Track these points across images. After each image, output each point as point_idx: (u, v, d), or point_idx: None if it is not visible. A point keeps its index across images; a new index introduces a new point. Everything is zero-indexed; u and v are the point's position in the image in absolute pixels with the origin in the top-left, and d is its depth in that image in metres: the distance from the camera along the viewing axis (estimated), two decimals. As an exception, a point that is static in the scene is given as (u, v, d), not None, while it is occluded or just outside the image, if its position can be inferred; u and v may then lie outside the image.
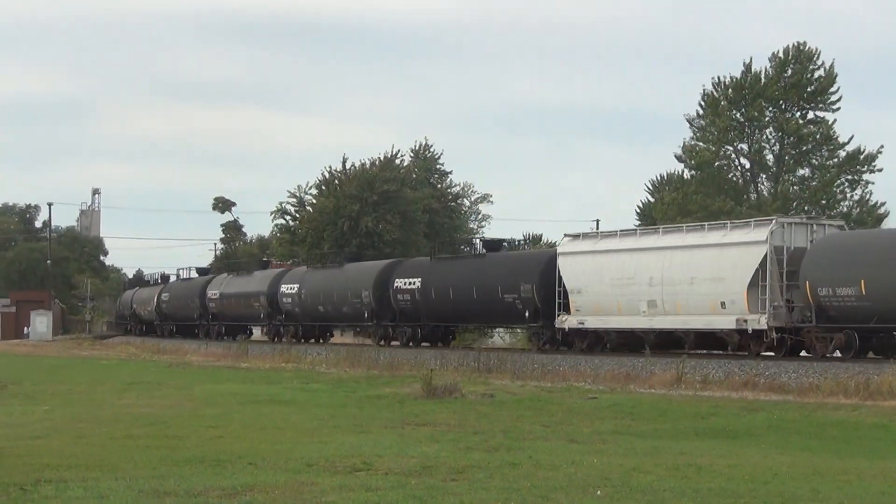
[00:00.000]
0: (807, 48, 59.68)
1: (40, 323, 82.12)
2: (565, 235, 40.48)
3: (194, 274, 73.99)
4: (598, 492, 12.05)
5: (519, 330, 49.70)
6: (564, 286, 38.60)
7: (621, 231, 39.30)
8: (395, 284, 47.14)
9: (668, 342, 36.47)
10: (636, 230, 40.27)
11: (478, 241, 49.79)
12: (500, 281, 41.77)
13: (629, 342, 37.16)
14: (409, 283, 46.67)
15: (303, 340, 53.97)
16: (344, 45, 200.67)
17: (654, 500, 11.72)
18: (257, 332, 64.84)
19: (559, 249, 39.74)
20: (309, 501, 11.43)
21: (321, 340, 54.72)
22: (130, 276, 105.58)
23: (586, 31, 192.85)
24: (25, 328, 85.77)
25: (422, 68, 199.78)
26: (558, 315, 38.81)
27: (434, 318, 46.05)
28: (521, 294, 40.66)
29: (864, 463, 15.18)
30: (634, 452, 16.02)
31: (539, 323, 40.22)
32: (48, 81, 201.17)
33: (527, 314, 40.50)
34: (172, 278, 76.90)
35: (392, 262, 51.17)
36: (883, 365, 27.64)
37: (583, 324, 38.08)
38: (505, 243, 49.44)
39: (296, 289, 53.79)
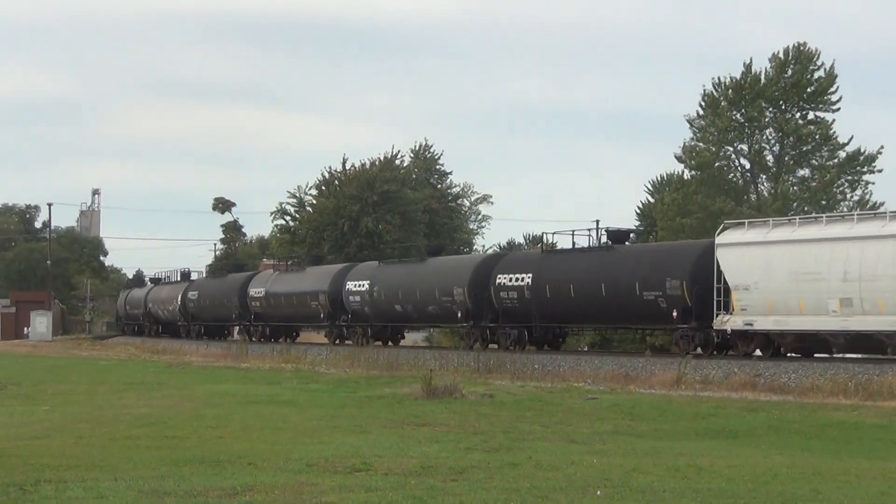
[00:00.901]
0: (807, 48, 59.64)
1: (40, 323, 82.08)
2: (724, 225, 35.77)
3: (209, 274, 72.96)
4: (598, 492, 12.04)
5: (658, 332, 44.07)
6: (725, 282, 33.73)
7: (800, 218, 35.20)
8: (498, 281, 42.04)
9: (863, 346, 32.74)
10: (819, 217, 35.03)
11: (600, 231, 42.64)
12: (639, 276, 36.64)
13: (810, 346, 33.45)
14: (517, 280, 41.37)
15: (371, 342, 48.21)
16: (344, 44, 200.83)
17: (654, 500, 11.71)
18: (302, 333, 62.10)
19: (718, 240, 34.52)
20: (308, 502, 11.42)
21: (390, 343, 50.84)
22: (130, 276, 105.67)
23: (586, 32, 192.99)
24: (25, 328, 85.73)
25: (422, 68, 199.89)
26: (717, 315, 33.82)
27: (547, 319, 40.66)
28: (666, 291, 35.57)
29: (865, 463, 15.17)
30: (634, 453, 16.02)
31: (691, 324, 34.97)
32: (48, 81, 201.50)
33: (674, 314, 35.40)
34: (194, 275, 75.26)
35: (493, 256, 49.77)
36: (883, 365, 27.63)
37: (751, 325, 33.30)
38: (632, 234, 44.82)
39: (366, 286, 49.18)
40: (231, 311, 60.46)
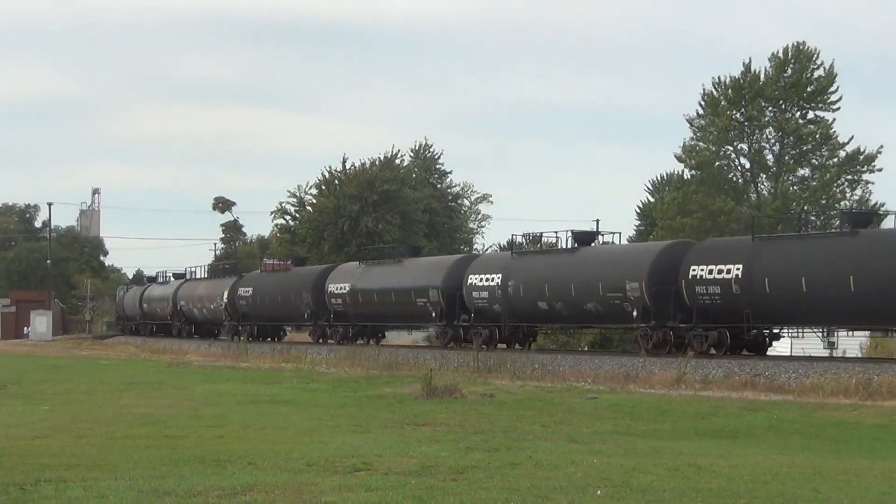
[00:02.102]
0: (806, 48, 59.67)
1: (40, 323, 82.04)
2: None
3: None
4: (599, 492, 12.04)
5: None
6: None
7: None
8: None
9: None
10: None
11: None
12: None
13: None
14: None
15: (500, 346, 41.17)
16: (344, 45, 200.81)
17: (654, 500, 11.71)
18: (396, 334, 58.94)
19: None
20: (309, 501, 11.42)
21: (519, 346, 41.30)
22: (131, 276, 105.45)
23: (586, 32, 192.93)
24: (25, 328, 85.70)
25: (422, 68, 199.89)
26: None
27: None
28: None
29: (865, 463, 15.17)
30: (634, 452, 16.02)
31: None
32: (49, 81, 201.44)
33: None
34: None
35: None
36: (883, 365, 27.64)
37: None
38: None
39: (497, 281, 41.36)
40: (301, 310, 53.30)
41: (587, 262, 38.34)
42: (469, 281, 42.46)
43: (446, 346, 42.15)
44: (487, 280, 42.00)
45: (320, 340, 51.76)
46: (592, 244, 40.44)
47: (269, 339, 58.25)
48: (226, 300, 60.69)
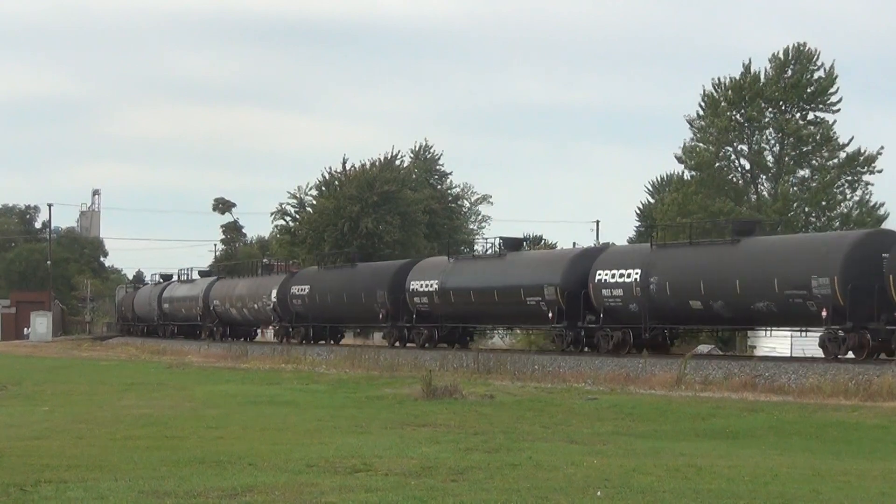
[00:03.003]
0: (807, 49, 59.67)
1: (40, 324, 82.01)
2: None
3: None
4: (599, 492, 12.04)
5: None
6: None
7: None
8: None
9: None
10: None
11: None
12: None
13: None
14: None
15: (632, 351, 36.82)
16: (344, 45, 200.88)
17: (654, 500, 11.71)
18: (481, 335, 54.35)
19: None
20: (309, 502, 11.42)
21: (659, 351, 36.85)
22: (131, 276, 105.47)
23: (587, 32, 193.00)
24: (25, 329, 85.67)
25: (422, 69, 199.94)
26: None
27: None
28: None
29: (865, 464, 15.17)
30: (634, 453, 16.02)
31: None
32: (48, 81, 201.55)
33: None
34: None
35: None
36: (883, 366, 27.64)
37: None
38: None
39: (636, 277, 36.44)
40: (374, 310, 47.69)
41: (754, 256, 33.68)
42: (598, 277, 37.52)
43: (565, 349, 38.79)
44: (622, 276, 37.08)
45: (397, 344, 46.44)
46: (754, 235, 35.83)
47: (327, 341, 53.04)
48: (274, 299, 55.06)
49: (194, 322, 66.28)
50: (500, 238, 46.00)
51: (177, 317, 69.17)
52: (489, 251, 46.17)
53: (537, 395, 26.77)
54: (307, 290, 52.88)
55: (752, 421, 21.03)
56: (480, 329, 49.08)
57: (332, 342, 52.92)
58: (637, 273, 35.77)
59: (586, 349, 37.69)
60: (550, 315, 38.53)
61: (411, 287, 45.18)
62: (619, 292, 36.46)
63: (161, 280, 75.51)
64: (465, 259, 45.61)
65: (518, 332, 53.57)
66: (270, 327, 62.32)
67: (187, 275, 73.07)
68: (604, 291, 36.83)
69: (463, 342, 44.95)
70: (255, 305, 57.79)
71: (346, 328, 55.95)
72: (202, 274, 70.97)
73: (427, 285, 44.69)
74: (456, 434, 18.42)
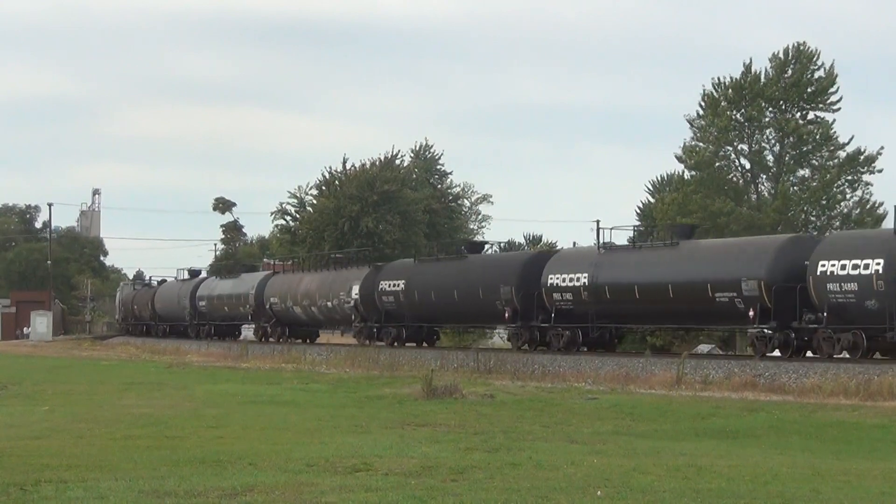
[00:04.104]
0: (807, 48, 59.68)
1: (40, 323, 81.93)
2: None
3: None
4: (599, 492, 12.04)
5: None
6: None
7: None
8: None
9: None
10: None
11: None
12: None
13: None
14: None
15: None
16: (344, 45, 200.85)
17: (654, 500, 11.71)
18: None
19: None
20: (309, 502, 11.42)
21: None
22: (131, 276, 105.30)
23: (587, 32, 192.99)
24: (25, 329, 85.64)
25: (422, 69, 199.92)
26: None
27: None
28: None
29: (865, 464, 15.17)
30: (634, 453, 16.02)
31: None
32: (48, 81, 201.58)
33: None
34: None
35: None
36: (884, 365, 27.64)
37: None
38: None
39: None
40: (496, 309, 41.42)
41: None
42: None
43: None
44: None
45: (524, 346, 40.29)
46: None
47: (419, 343, 46.76)
48: (356, 296, 48.58)
49: (242, 321, 61.24)
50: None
51: (216, 316, 63.18)
52: (647, 240, 41.81)
53: (537, 394, 26.77)
54: (402, 286, 46.20)
55: (752, 421, 21.02)
56: (640, 331, 43.71)
57: (428, 344, 46.96)
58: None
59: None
60: (751, 315, 32.74)
61: (550, 281, 39.14)
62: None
63: (189, 276, 70.36)
64: (621, 249, 38.43)
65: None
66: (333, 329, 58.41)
67: (221, 271, 70.17)
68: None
69: (611, 345, 39.51)
70: (329, 303, 51.04)
71: (450, 328, 50.98)
72: (248, 269, 65.17)
73: (572, 279, 38.55)
74: (456, 434, 18.41)
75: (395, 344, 46.01)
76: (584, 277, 37.97)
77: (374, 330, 47.74)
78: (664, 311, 36.04)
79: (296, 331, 56.41)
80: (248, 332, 63.64)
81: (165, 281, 74.86)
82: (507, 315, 40.48)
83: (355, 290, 48.92)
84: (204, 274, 74.20)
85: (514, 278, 40.56)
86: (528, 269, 40.73)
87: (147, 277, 79.66)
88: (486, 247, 49.47)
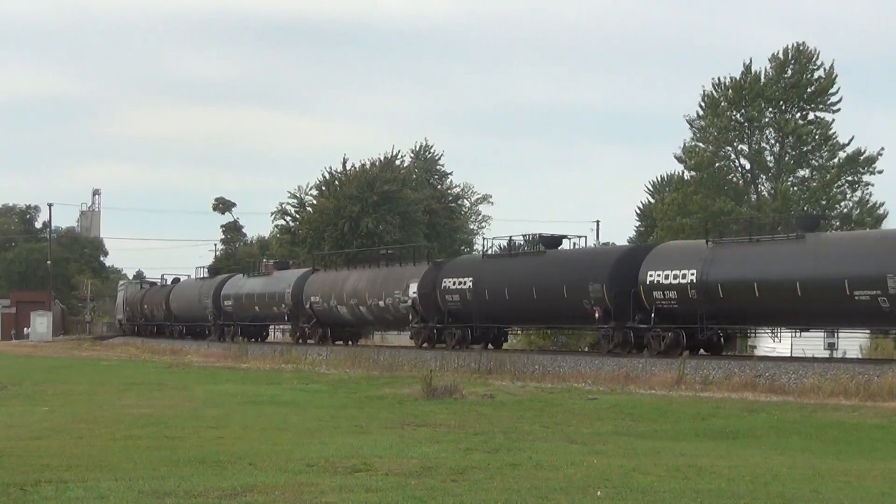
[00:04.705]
0: (806, 48, 59.71)
1: (40, 323, 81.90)
2: None
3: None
4: (599, 492, 12.04)
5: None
6: None
7: None
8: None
9: None
10: None
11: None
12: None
13: None
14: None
15: None
16: (344, 45, 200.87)
17: (654, 500, 11.71)
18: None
19: None
20: (309, 502, 11.41)
21: None
22: (131, 276, 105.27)
23: (587, 32, 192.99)
24: (26, 329, 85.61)
25: (422, 69, 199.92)
26: None
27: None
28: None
29: (865, 464, 15.17)
30: (634, 453, 16.02)
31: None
32: (49, 81, 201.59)
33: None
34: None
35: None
36: (884, 366, 27.63)
37: None
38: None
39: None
40: (583, 309, 37.58)
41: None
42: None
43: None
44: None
45: (616, 349, 36.56)
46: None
47: (484, 344, 42.96)
48: (414, 294, 44.76)
49: (276, 322, 58.49)
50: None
51: (244, 316, 59.20)
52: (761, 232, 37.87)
53: (537, 395, 26.77)
54: (469, 284, 42.24)
55: (752, 421, 21.02)
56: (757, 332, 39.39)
57: (494, 346, 43.16)
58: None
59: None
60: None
61: (650, 278, 35.51)
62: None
63: (207, 275, 67.12)
64: (740, 244, 35.16)
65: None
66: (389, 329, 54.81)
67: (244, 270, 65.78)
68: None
69: (718, 348, 36.25)
70: (381, 303, 47.08)
71: (526, 329, 47.42)
72: (279, 266, 60.34)
73: (676, 276, 34.89)
74: (456, 434, 18.41)
75: (458, 347, 42.03)
76: (692, 274, 33.94)
77: (434, 331, 44.05)
78: (790, 311, 32.13)
79: (338, 332, 52.71)
80: (277, 333, 61.86)
81: (179, 279, 72.69)
82: (597, 315, 36.38)
83: (413, 288, 45.03)
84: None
85: (606, 275, 36.68)
86: (622, 265, 36.81)
87: (161, 277, 76.10)
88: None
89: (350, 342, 52.78)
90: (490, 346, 42.68)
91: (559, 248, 41.28)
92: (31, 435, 18.25)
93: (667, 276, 34.83)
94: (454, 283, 42.98)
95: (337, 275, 52.22)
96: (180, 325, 67.88)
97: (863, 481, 13.42)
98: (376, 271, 49.12)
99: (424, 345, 43.88)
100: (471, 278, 42.28)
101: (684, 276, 34.38)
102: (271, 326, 61.11)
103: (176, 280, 72.78)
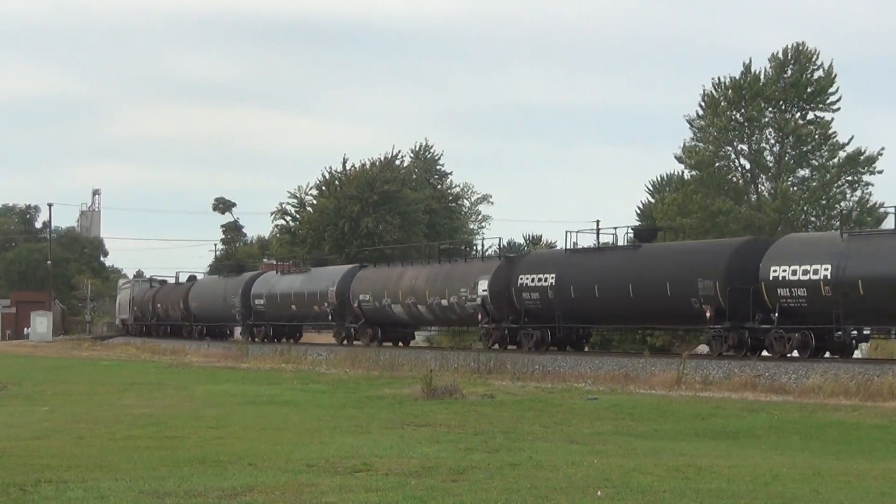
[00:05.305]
0: (806, 48, 59.70)
1: (40, 323, 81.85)
2: None
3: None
4: (599, 492, 12.04)
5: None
6: None
7: None
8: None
9: None
10: None
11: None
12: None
13: None
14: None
15: None
16: (344, 45, 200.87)
17: (655, 500, 11.70)
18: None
19: None
20: (309, 502, 11.41)
21: None
22: (131, 275, 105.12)
23: (587, 32, 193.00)
24: (25, 329, 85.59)
25: (422, 69, 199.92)
26: None
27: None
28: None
29: (865, 464, 15.17)
30: (634, 453, 16.02)
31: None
32: (48, 81, 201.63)
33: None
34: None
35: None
36: (884, 366, 27.63)
37: None
38: None
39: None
40: (691, 307, 34.33)
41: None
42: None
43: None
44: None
45: (729, 352, 33.51)
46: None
47: (566, 346, 39.73)
48: (484, 293, 41.52)
49: (317, 321, 54.70)
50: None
51: (279, 315, 55.72)
52: None
53: (537, 395, 26.77)
54: (551, 281, 38.74)
55: (752, 421, 21.02)
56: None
57: (575, 347, 39.92)
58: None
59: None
60: None
61: (773, 274, 32.35)
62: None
63: (233, 272, 63.77)
64: (882, 235, 32.77)
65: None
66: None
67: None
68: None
69: (853, 350, 33.72)
70: (444, 301, 43.64)
71: (619, 330, 44.53)
72: (316, 263, 57.51)
73: (806, 272, 31.69)
74: (456, 434, 18.41)
75: (534, 349, 38.75)
76: (825, 270, 30.90)
77: (506, 332, 40.64)
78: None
79: (390, 332, 49.08)
80: (311, 333, 59.40)
81: (195, 278, 70.81)
82: (708, 314, 33.19)
83: (482, 285, 41.62)
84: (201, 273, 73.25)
85: (720, 271, 33.28)
86: (738, 259, 33.45)
87: (175, 274, 73.55)
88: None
89: (399, 343, 49.26)
90: (569, 347, 39.62)
91: (651, 241, 38.29)
92: (31, 435, 18.25)
93: (794, 272, 31.52)
94: (532, 280, 39.46)
95: (390, 271, 48.70)
96: (200, 325, 64.87)
97: (863, 481, 13.42)
98: (437, 268, 45.47)
99: (495, 346, 40.75)
100: (553, 275, 38.76)
101: (816, 272, 31.13)
102: (303, 326, 57.49)
103: (192, 278, 70.88)
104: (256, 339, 55.82)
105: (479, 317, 41.82)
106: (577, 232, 41.43)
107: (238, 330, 62.20)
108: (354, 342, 49.40)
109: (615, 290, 36.41)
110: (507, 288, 40.30)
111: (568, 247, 40.36)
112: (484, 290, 41.50)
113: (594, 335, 43.10)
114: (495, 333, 41.08)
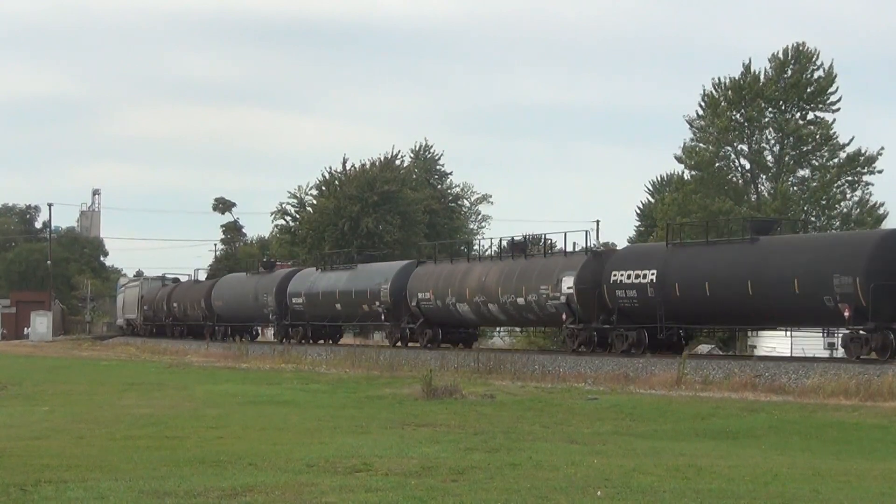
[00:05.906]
0: (806, 49, 59.75)
1: (40, 323, 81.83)
2: None
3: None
4: (599, 492, 12.04)
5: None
6: None
7: None
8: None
9: None
10: None
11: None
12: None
13: None
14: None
15: None
16: (344, 45, 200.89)
17: (655, 500, 11.71)
18: None
19: None
20: (309, 502, 11.42)
21: None
22: (131, 275, 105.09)
23: (587, 32, 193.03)
24: (25, 329, 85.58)
25: (422, 69, 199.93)
26: None
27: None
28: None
29: (865, 464, 15.17)
30: (634, 453, 16.02)
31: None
32: (48, 81, 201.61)
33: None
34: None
35: (210, 281, 46.24)
36: (884, 366, 27.62)
37: None
38: None
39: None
40: (824, 306, 30.69)
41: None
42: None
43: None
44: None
45: (871, 354, 29.96)
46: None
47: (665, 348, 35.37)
48: (569, 290, 37.33)
49: (367, 321, 50.98)
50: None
51: (321, 315, 51.92)
52: None
53: (537, 395, 26.76)
54: (651, 278, 34.86)
55: (752, 421, 21.02)
56: None
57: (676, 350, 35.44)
58: None
59: None
60: None
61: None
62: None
63: (262, 270, 59.73)
64: None
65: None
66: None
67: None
68: None
69: None
70: (521, 300, 39.46)
71: (735, 330, 41.25)
72: (364, 259, 53.68)
73: None
74: (456, 434, 18.41)
75: (633, 351, 35.11)
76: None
77: (595, 333, 36.92)
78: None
79: (452, 333, 45.08)
80: (349, 334, 56.39)
81: (217, 276, 69.13)
82: (846, 314, 29.73)
83: (567, 282, 37.43)
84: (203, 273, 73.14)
85: (861, 266, 29.62)
86: (883, 253, 29.75)
87: (194, 272, 72.86)
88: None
89: (461, 344, 44.86)
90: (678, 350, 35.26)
91: (769, 234, 34.36)
92: (31, 435, 18.25)
93: None
94: (628, 277, 35.51)
95: (453, 268, 44.09)
96: (224, 326, 61.04)
97: (863, 481, 13.43)
98: (511, 263, 41.04)
99: (581, 348, 37.27)
100: (653, 271, 34.79)
101: None
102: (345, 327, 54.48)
103: (212, 276, 70.38)
104: (293, 340, 52.78)
105: (564, 316, 37.81)
106: (685, 224, 36.95)
107: (270, 331, 58.87)
108: (409, 344, 46.02)
109: (730, 287, 32.58)
110: (597, 285, 36.45)
111: (671, 241, 36.55)
112: (569, 288, 37.21)
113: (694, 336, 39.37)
114: (582, 334, 37.28)
